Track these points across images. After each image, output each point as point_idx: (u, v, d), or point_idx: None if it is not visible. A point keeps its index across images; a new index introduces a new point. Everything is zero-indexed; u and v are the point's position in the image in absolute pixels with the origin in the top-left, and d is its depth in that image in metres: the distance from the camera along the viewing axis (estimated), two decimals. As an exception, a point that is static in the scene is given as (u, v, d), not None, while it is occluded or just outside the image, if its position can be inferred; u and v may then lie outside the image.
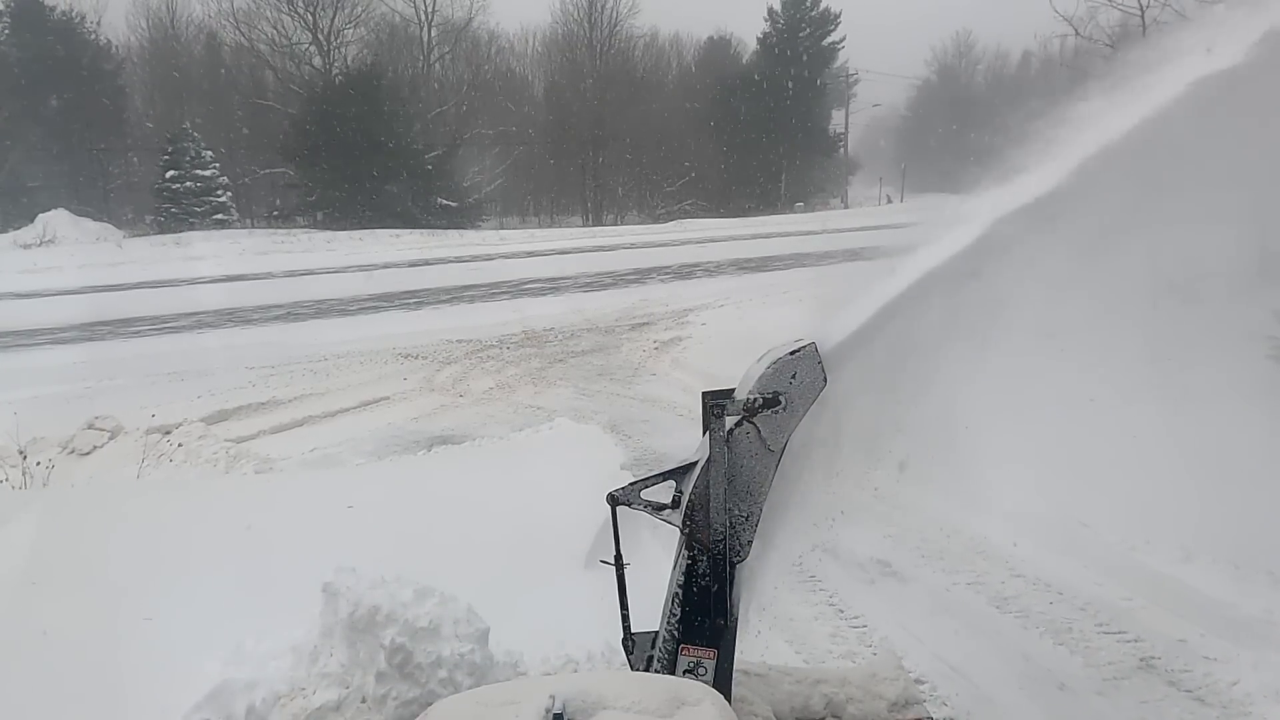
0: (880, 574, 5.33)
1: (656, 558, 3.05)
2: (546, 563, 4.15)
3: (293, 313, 17.41)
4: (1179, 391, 6.70)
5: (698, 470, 2.42)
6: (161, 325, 16.12)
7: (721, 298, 17.76)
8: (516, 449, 7.24)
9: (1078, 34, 10.65)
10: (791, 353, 2.42)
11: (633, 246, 30.10)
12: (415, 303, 18.50)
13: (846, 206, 55.73)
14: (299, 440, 9.16)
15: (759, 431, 2.40)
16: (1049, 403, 7.06)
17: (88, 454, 8.19)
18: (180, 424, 8.58)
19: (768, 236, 32.30)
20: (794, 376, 2.41)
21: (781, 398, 2.40)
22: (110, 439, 8.33)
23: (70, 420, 8.85)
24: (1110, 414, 6.42)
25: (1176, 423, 5.93)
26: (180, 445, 7.64)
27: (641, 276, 21.93)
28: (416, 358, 13.18)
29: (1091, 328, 10.12)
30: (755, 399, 2.38)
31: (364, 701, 3.05)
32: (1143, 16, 8.77)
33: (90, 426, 8.46)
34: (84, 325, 15.99)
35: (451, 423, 9.69)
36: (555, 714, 1.68)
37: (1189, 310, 10.95)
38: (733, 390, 2.47)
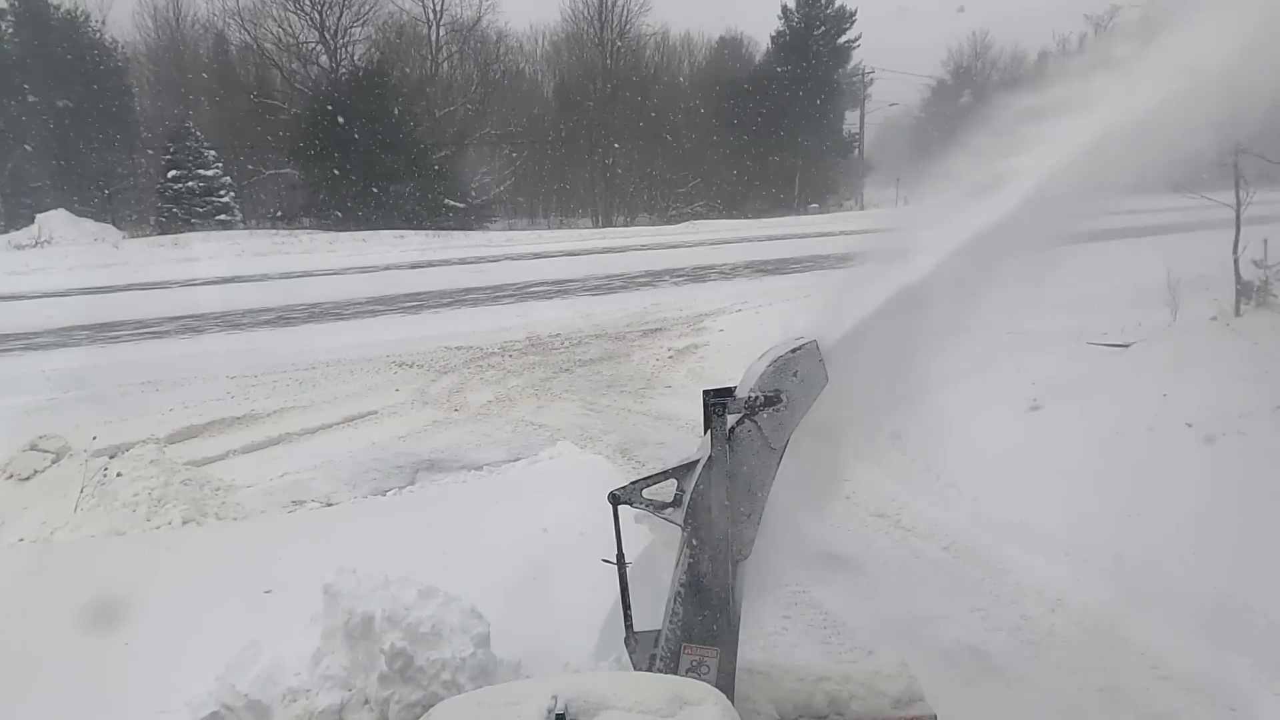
0: (977, 670, 3.99)
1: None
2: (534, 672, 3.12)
3: (285, 317, 16.50)
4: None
5: (699, 468, 2.41)
6: (145, 330, 15.22)
7: (738, 301, 16.71)
8: (509, 485, 6.20)
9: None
10: (793, 350, 2.39)
11: (644, 248, 29.14)
12: (415, 306, 17.57)
13: (862, 208, 54.62)
14: (270, 462, 8.18)
15: (760, 429, 2.38)
16: (1139, 429, 5.94)
17: (27, 479, 7.23)
18: (134, 444, 7.60)
19: (783, 238, 31.33)
20: (795, 374, 2.38)
21: (783, 395, 2.37)
22: (54, 462, 7.37)
23: (24, 437, 7.92)
24: (1227, 445, 5.31)
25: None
26: (119, 475, 6.64)
27: (653, 279, 20.92)
28: (411, 366, 12.21)
29: (1162, 336, 9.02)
30: (756, 397, 2.37)
31: (367, 704, 2.99)
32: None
33: (33, 448, 7.50)
34: (63, 330, 15.13)
35: (442, 443, 8.68)
36: (557, 714, 1.65)
37: (1270, 316, 9.77)
38: (734, 388, 2.45)
